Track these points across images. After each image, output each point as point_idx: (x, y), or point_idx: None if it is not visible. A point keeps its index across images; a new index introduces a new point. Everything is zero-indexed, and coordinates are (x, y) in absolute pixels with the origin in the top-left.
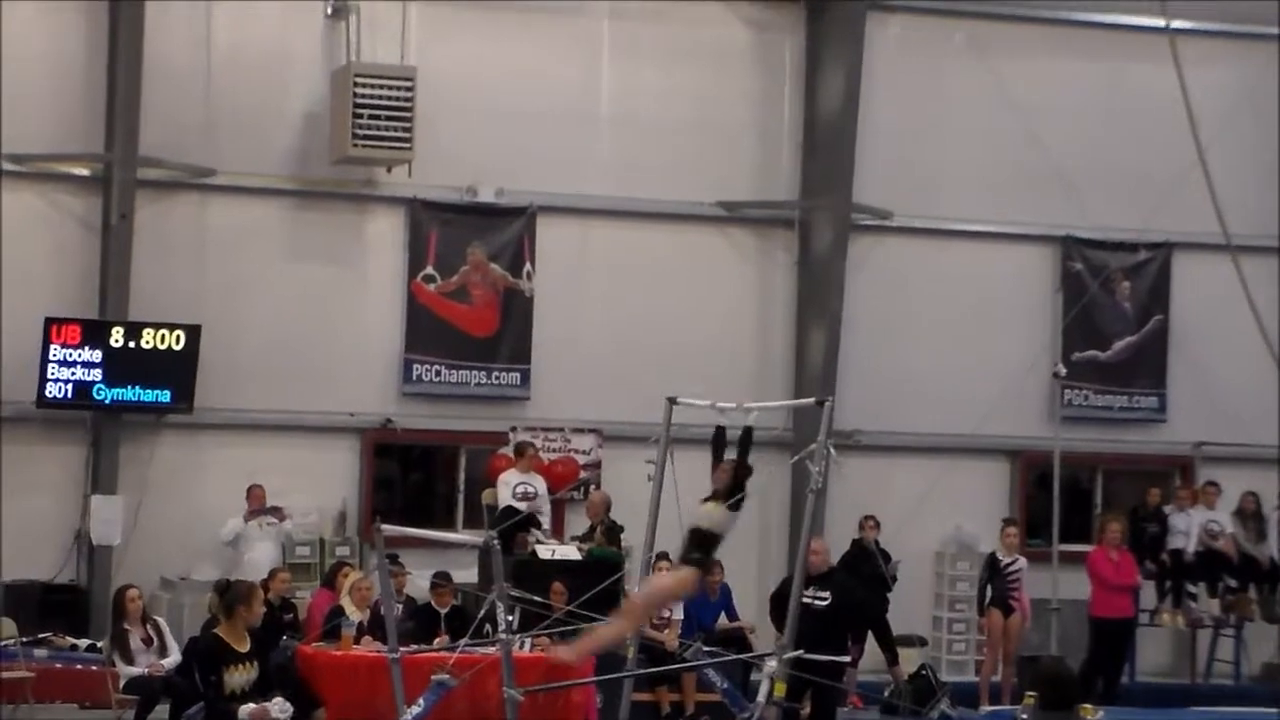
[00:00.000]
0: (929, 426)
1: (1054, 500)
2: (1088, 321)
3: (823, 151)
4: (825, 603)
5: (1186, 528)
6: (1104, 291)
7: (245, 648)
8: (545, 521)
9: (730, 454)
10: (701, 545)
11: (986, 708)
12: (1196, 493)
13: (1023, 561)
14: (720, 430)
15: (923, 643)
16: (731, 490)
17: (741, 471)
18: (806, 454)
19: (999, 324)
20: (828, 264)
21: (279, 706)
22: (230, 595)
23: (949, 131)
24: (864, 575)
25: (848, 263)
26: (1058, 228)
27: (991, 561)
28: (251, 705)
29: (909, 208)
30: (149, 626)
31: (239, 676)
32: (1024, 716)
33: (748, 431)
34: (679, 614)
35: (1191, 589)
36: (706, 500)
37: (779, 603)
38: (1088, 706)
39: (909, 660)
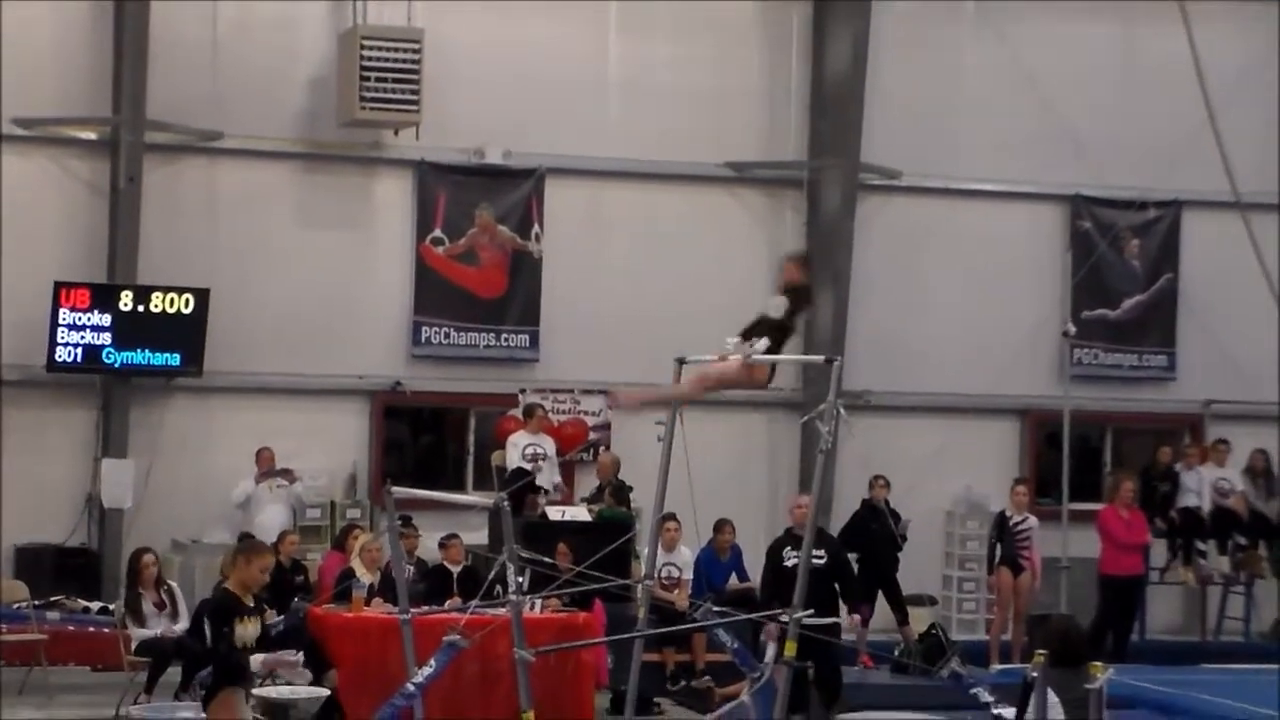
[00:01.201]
0: (938, 386)
1: (1064, 459)
2: (1097, 280)
3: (831, 111)
4: (821, 563)
5: (1197, 486)
6: (1113, 250)
7: (252, 601)
8: (554, 479)
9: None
10: (763, 330)
11: (997, 666)
12: (1207, 450)
13: (1033, 520)
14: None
15: (933, 602)
16: (798, 291)
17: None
18: (816, 414)
19: (1008, 283)
20: (836, 224)
21: (291, 653)
22: (238, 546)
23: (958, 91)
24: (874, 535)
25: (856, 222)
26: (1067, 186)
27: (1001, 520)
28: (265, 654)
29: (918, 167)
30: (163, 591)
31: (249, 629)
32: (1034, 674)
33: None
34: (689, 574)
35: (1201, 546)
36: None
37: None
38: (1097, 664)
39: (919, 619)
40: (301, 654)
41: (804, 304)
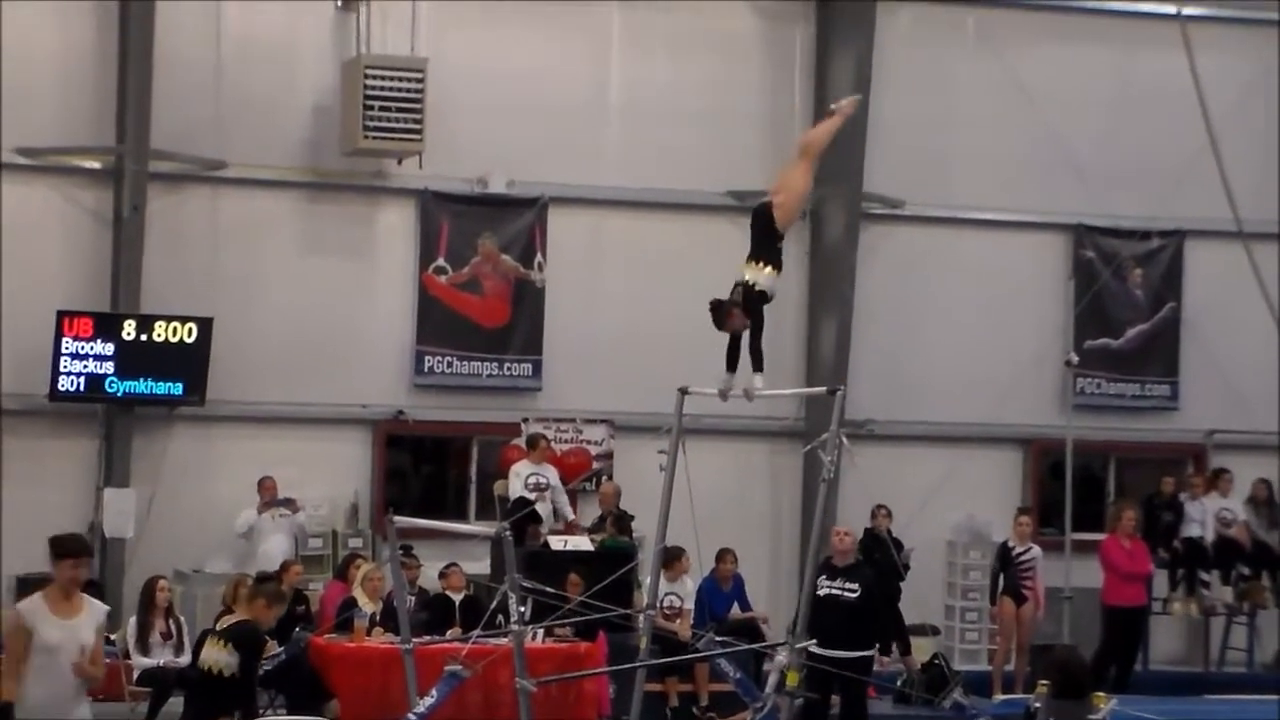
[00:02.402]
0: (941, 415)
1: (1067, 489)
2: (1100, 309)
3: (834, 141)
4: (855, 595)
5: (1201, 516)
6: (1116, 279)
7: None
8: (566, 511)
9: None
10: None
11: (999, 696)
12: (1211, 480)
13: (1036, 550)
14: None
15: (935, 632)
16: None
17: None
18: (819, 443)
19: (1011, 312)
20: (839, 253)
21: None
22: (264, 588)
23: (960, 120)
24: (877, 564)
25: (859, 251)
26: (1070, 215)
27: (1004, 550)
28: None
29: (920, 196)
30: (171, 621)
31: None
32: (1037, 705)
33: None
34: (691, 604)
35: (1205, 577)
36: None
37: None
38: (1100, 695)
39: (922, 649)
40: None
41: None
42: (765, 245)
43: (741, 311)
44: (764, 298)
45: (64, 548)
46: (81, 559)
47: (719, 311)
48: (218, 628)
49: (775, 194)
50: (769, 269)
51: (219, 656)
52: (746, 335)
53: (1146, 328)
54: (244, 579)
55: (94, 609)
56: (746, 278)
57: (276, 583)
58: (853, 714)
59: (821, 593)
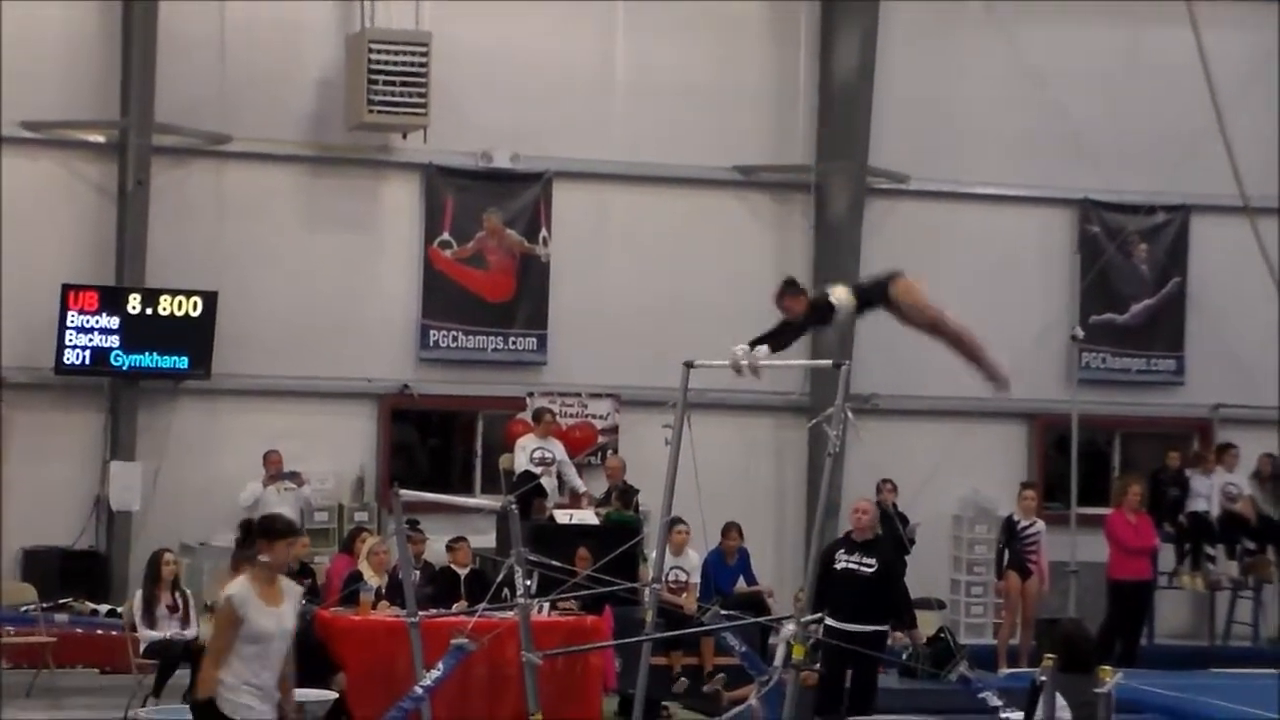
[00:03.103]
0: (946, 390)
1: (1072, 463)
2: (1105, 284)
3: (839, 115)
4: (872, 570)
5: (1207, 491)
6: (1121, 254)
7: None
8: (577, 484)
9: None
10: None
11: (1005, 670)
12: (1217, 455)
13: (1041, 524)
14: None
15: (941, 606)
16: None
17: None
18: (824, 418)
19: (1016, 287)
20: (844, 227)
21: None
22: (239, 554)
23: (966, 95)
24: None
25: (864, 226)
26: (1075, 191)
27: (1009, 525)
28: None
29: (925, 171)
30: (177, 594)
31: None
32: (1043, 679)
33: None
34: (696, 578)
35: (1210, 551)
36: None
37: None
38: (1106, 668)
39: (927, 623)
40: None
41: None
42: (867, 294)
43: (806, 309)
44: (829, 314)
45: (279, 527)
46: (298, 537)
47: (791, 289)
48: (209, 603)
49: (908, 289)
50: (852, 300)
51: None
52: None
53: (1152, 303)
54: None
55: (293, 592)
56: (834, 296)
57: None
58: (862, 688)
59: (839, 566)
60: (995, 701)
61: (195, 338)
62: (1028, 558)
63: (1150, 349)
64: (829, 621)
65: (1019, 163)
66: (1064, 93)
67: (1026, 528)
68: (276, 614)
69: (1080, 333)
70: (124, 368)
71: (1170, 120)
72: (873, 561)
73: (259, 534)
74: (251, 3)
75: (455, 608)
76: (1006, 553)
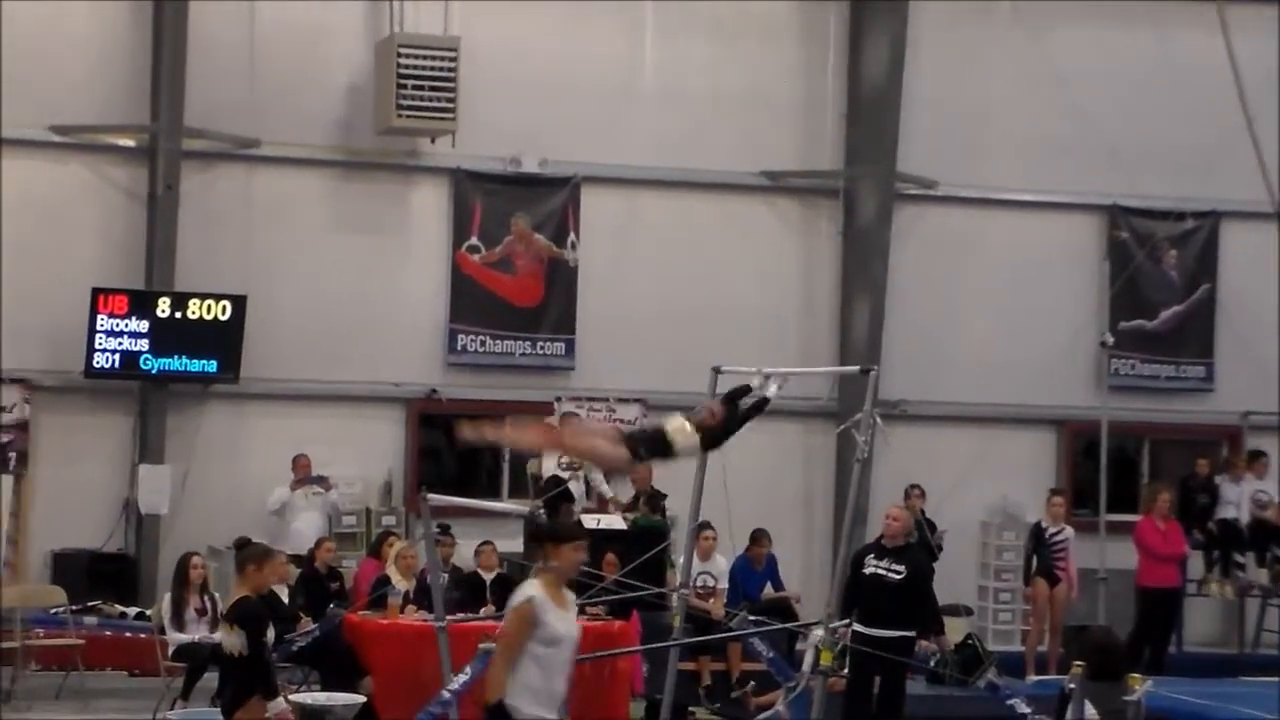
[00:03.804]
0: (974, 396)
1: (1101, 470)
2: (1135, 291)
3: (867, 121)
4: (900, 577)
5: (1236, 498)
6: (1151, 260)
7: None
8: (604, 488)
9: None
10: (652, 446)
11: (1033, 677)
12: (1248, 462)
13: (1069, 531)
14: (746, 387)
15: (968, 612)
16: (712, 432)
17: (730, 425)
18: (852, 423)
19: (1045, 293)
20: (872, 233)
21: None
22: (250, 552)
23: (994, 100)
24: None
25: (892, 232)
26: (1104, 196)
27: (1037, 531)
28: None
29: (954, 177)
30: (205, 597)
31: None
32: (1072, 686)
33: (764, 402)
34: (724, 583)
35: (1240, 559)
36: (688, 421)
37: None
38: (1135, 676)
39: (955, 630)
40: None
41: (718, 439)
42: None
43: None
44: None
45: (571, 532)
46: (586, 542)
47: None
48: (225, 611)
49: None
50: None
51: (229, 639)
52: None
53: (1181, 309)
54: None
55: (573, 600)
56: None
57: (258, 545)
58: (890, 694)
59: (868, 571)
60: (1024, 709)
61: (224, 342)
62: (1056, 565)
63: (1180, 355)
64: (856, 627)
65: (1048, 168)
66: (1093, 98)
67: (1055, 534)
68: (568, 619)
69: (1110, 339)
70: (153, 371)
71: (1200, 125)
72: (901, 568)
73: (547, 538)
74: (281, 7)
75: (482, 612)
76: (1035, 559)
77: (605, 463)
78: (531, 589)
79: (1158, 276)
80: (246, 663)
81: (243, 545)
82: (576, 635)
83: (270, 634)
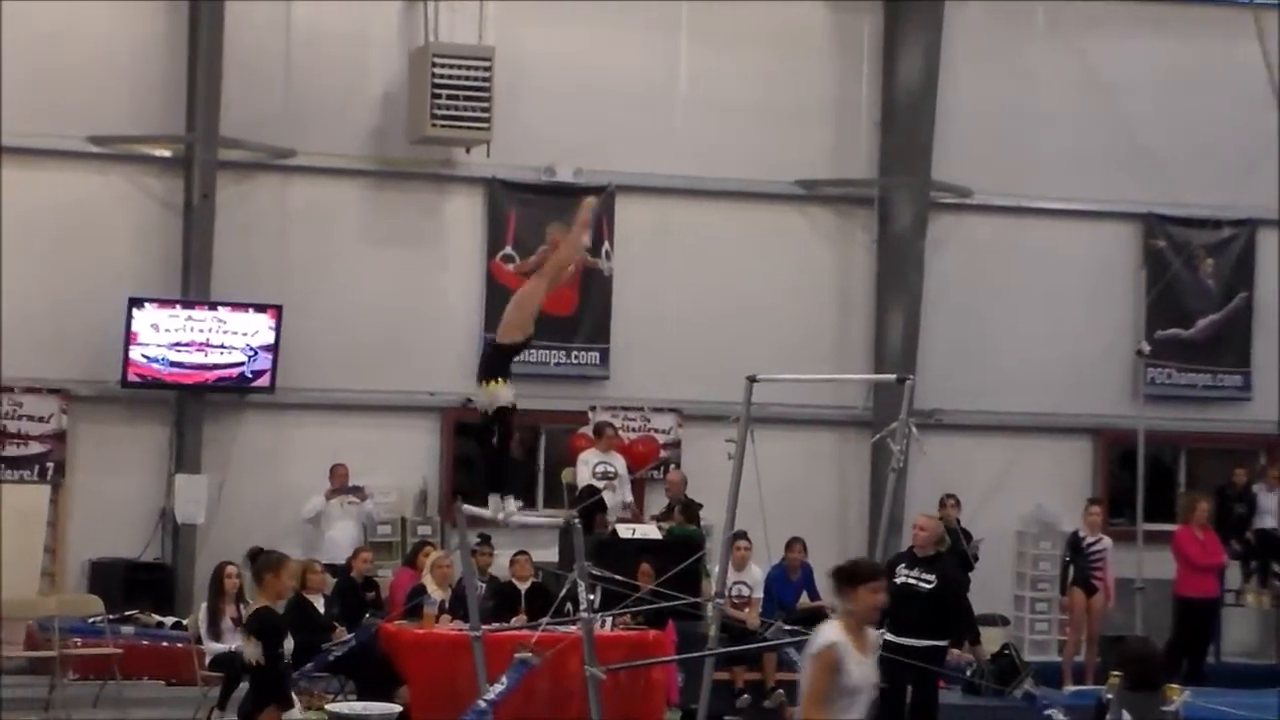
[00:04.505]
0: (1010, 405)
1: (1138, 479)
2: (1171, 299)
3: (902, 129)
4: (930, 586)
5: (1274, 507)
6: (1187, 269)
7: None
8: (626, 497)
9: None
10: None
11: (1070, 688)
12: None
13: (1107, 541)
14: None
15: (1005, 622)
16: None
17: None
18: (887, 432)
19: (1081, 302)
20: (907, 242)
21: None
22: (266, 561)
23: (1030, 109)
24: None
25: (927, 241)
26: (1140, 205)
27: (1074, 541)
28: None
29: (989, 185)
30: (241, 606)
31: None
32: (1109, 696)
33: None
34: (759, 593)
35: (1277, 568)
36: None
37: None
38: (1173, 686)
39: (991, 640)
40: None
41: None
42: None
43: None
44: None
45: (868, 572)
46: (884, 581)
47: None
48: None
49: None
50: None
51: (247, 648)
52: None
53: (1218, 318)
54: (312, 563)
55: (876, 642)
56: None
57: (271, 553)
58: (923, 704)
59: (899, 580)
60: (1061, 718)
61: (260, 351)
62: (1094, 574)
63: (1217, 364)
64: (888, 636)
65: (1083, 177)
66: (1129, 106)
67: (1092, 544)
68: (868, 666)
69: (1146, 348)
70: (189, 381)
71: (1236, 134)
72: (932, 577)
73: (843, 580)
74: (316, 17)
75: (515, 621)
76: (1071, 569)
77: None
78: (832, 634)
79: (1194, 285)
80: (263, 672)
81: (255, 555)
82: (873, 680)
83: (289, 644)
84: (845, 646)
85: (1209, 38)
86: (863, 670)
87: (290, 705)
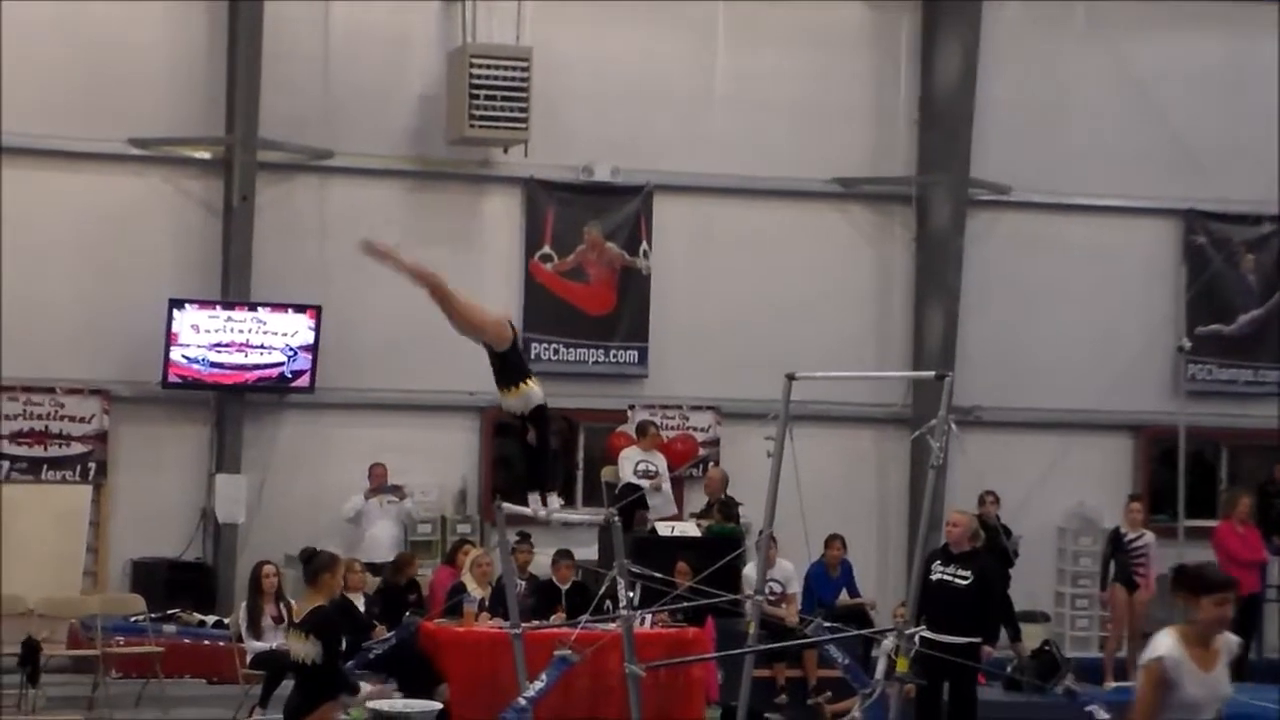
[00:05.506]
0: (1050, 402)
1: (1179, 475)
2: (1212, 295)
3: (940, 126)
4: (966, 582)
5: None
6: (1228, 265)
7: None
8: (665, 491)
9: None
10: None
11: (1111, 684)
12: None
13: (1149, 536)
14: None
15: (1046, 618)
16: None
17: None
18: (927, 429)
19: (1121, 298)
20: (946, 239)
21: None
22: (320, 563)
23: (1069, 106)
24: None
25: (966, 238)
26: (1180, 201)
27: (1115, 537)
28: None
29: (1028, 182)
30: (281, 605)
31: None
32: None
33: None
34: (792, 588)
35: None
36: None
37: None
38: None
39: (1032, 636)
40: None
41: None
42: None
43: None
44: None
45: (1213, 582)
46: (1231, 594)
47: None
48: (296, 620)
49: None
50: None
51: (302, 648)
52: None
53: (1259, 313)
54: (351, 562)
55: (1229, 647)
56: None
57: (324, 554)
58: (961, 701)
59: (934, 578)
60: (1102, 715)
61: (300, 352)
62: (1136, 570)
63: (1258, 360)
64: (924, 632)
65: (1123, 173)
66: (1168, 101)
67: (1134, 540)
68: (1210, 680)
69: (1187, 344)
70: (229, 382)
71: (1276, 129)
72: (967, 574)
73: (1186, 588)
74: (354, 18)
75: (553, 619)
76: (1112, 565)
77: (484, 326)
78: (1164, 646)
79: (1235, 281)
80: (319, 671)
81: (310, 556)
82: (1221, 694)
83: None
84: (1177, 660)
85: (1248, 35)
86: (1202, 684)
87: (357, 690)
